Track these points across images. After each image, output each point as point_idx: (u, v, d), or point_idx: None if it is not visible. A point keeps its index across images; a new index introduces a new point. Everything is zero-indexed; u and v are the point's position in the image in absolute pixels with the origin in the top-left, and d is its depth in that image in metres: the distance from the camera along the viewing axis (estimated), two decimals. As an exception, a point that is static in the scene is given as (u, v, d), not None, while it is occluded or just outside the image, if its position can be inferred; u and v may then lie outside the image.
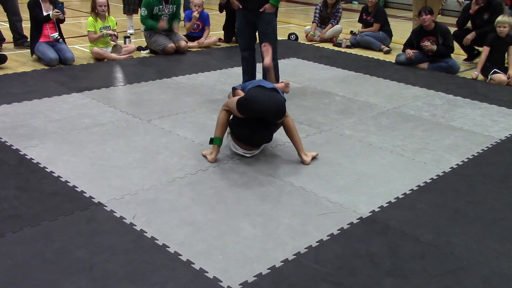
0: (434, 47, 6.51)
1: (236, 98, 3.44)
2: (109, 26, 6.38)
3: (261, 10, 4.68)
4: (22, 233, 2.60)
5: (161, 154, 3.65)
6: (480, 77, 6.38)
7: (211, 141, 3.53)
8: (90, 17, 6.31)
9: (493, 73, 6.22)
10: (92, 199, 2.96)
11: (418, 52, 6.72)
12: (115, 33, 6.39)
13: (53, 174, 3.26)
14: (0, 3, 6.59)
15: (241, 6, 4.77)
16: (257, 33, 4.94)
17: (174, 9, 6.84)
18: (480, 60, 6.43)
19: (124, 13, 7.99)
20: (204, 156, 3.58)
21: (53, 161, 3.43)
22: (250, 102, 3.35)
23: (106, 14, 6.36)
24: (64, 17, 6.09)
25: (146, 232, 2.66)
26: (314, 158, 3.65)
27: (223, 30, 7.94)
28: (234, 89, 3.82)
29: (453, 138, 4.29)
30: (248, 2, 4.72)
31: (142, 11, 6.70)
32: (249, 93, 3.45)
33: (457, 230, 2.87)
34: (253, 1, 4.68)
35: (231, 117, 3.55)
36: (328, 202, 3.09)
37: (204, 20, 7.54)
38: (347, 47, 7.97)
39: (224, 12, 7.97)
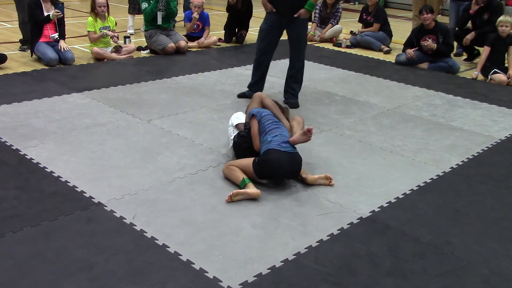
0: (434, 45, 6.51)
1: (249, 161, 3.21)
2: (109, 26, 6.38)
3: (295, 15, 4.60)
4: (22, 233, 2.60)
5: (161, 154, 3.65)
6: (480, 77, 6.38)
7: (243, 184, 3.13)
8: (90, 17, 6.31)
9: (493, 73, 6.22)
10: (92, 199, 2.96)
11: (418, 51, 6.72)
12: (116, 34, 6.38)
13: (53, 174, 3.26)
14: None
15: (274, 10, 4.68)
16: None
17: (165, 3, 6.81)
18: (480, 60, 6.43)
19: (129, 13, 7.99)
20: (238, 194, 3.04)
21: (53, 161, 3.43)
22: (270, 169, 3.16)
23: (106, 14, 6.36)
24: (64, 20, 6.09)
25: (146, 232, 2.66)
26: (325, 179, 3.31)
27: (224, 29, 7.93)
28: (252, 115, 3.44)
29: (453, 138, 4.29)
30: (282, 7, 4.63)
31: (143, 5, 6.71)
32: (268, 156, 3.16)
33: (457, 230, 2.87)
34: (288, 6, 4.60)
35: (235, 139, 3.53)
36: (328, 202, 3.09)
37: (204, 20, 7.54)
38: (347, 47, 7.97)
39: (227, 13, 7.95)
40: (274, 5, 4.67)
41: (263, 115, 3.42)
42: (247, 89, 5.10)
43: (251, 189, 3.05)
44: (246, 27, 7.87)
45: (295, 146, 3.28)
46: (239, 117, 3.72)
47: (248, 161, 3.22)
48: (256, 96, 3.71)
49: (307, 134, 3.22)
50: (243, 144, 3.45)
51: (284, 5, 4.62)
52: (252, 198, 3.03)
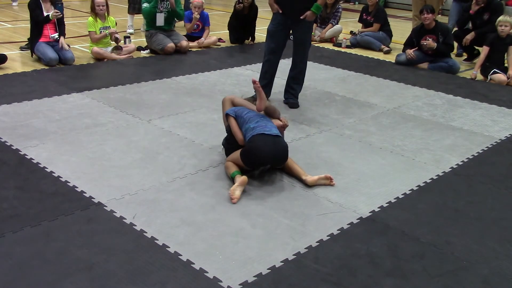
0: (434, 45, 6.51)
1: (238, 153, 3.26)
2: (109, 26, 6.37)
3: (302, 17, 4.59)
4: (22, 233, 2.60)
5: (161, 154, 3.65)
6: (480, 77, 6.38)
7: (232, 177, 3.21)
8: (90, 17, 6.30)
9: (493, 73, 6.23)
10: (92, 199, 2.97)
11: (418, 51, 6.72)
12: (118, 35, 6.37)
13: (53, 174, 3.26)
14: None
15: (281, 11, 4.67)
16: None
17: (168, 5, 6.82)
18: (479, 59, 6.45)
19: (128, 13, 7.99)
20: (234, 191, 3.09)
21: (53, 161, 3.43)
22: (254, 155, 3.20)
23: (106, 14, 6.34)
24: (63, 20, 6.09)
25: (146, 232, 2.66)
26: (326, 179, 3.30)
27: (228, 29, 7.91)
28: (227, 115, 3.50)
29: (453, 138, 4.29)
30: (289, 8, 4.62)
31: (144, 4, 6.70)
32: (252, 144, 3.21)
33: (457, 230, 2.87)
34: (294, 8, 4.59)
35: (223, 142, 3.59)
36: (328, 202, 3.09)
37: (204, 20, 7.54)
38: (347, 47, 7.97)
39: (230, 13, 7.94)
40: (281, 6, 4.66)
41: (236, 110, 3.49)
42: (255, 93, 5.05)
43: (238, 179, 3.12)
44: (250, 33, 7.85)
45: (278, 130, 3.35)
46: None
47: (237, 154, 3.28)
48: (225, 100, 3.71)
49: (255, 88, 3.39)
50: (232, 145, 3.48)
51: (291, 6, 4.60)
52: (244, 188, 3.12)
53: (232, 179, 3.21)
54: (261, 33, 7.97)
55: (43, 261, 2.39)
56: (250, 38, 7.86)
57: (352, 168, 3.58)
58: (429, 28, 6.59)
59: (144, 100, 4.84)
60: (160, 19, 6.74)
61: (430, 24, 6.57)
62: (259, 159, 3.23)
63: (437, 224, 2.92)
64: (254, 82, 3.44)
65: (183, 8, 7.23)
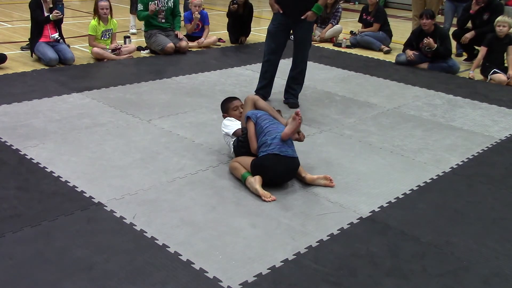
0: (435, 45, 6.50)
1: (249, 160, 3.24)
2: (111, 29, 6.35)
3: (302, 17, 4.59)
4: (22, 233, 2.60)
5: (161, 154, 3.65)
6: (478, 77, 6.37)
7: (244, 178, 3.22)
8: (93, 20, 6.24)
9: (493, 73, 6.23)
10: (92, 199, 2.97)
11: (418, 53, 6.72)
12: (119, 46, 6.39)
13: (53, 174, 3.26)
14: None
15: (281, 11, 4.66)
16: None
17: (171, 3, 6.82)
18: (476, 60, 6.45)
19: (131, 13, 8.00)
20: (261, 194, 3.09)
21: (53, 161, 3.43)
22: (265, 173, 3.16)
23: (109, 17, 6.33)
24: (63, 18, 6.09)
25: (146, 232, 2.66)
26: (325, 179, 3.29)
27: (228, 30, 7.91)
28: (248, 118, 3.42)
29: (453, 138, 4.29)
30: (289, 8, 4.61)
31: (138, 6, 6.72)
32: (264, 161, 3.18)
33: (457, 230, 2.87)
34: (295, 8, 4.58)
35: (234, 144, 3.52)
36: (328, 202, 3.09)
37: (203, 19, 7.52)
38: (347, 47, 7.97)
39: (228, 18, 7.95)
40: (282, 6, 4.65)
41: (259, 116, 3.41)
42: (254, 93, 5.05)
43: (256, 179, 3.12)
44: (247, 32, 7.85)
45: (294, 147, 3.29)
46: (228, 125, 3.61)
47: (248, 161, 3.25)
48: (248, 99, 3.63)
49: (296, 119, 3.21)
50: (241, 149, 3.43)
51: (292, 6, 4.60)
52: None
53: (240, 180, 3.22)
54: (260, 33, 7.98)
55: (43, 261, 2.39)
56: (244, 37, 7.82)
57: (352, 168, 3.58)
58: (428, 33, 6.59)
59: (144, 100, 4.84)
60: (152, 7, 6.70)
61: (429, 29, 6.57)
62: (268, 178, 3.18)
63: (437, 224, 2.92)
64: (297, 114, 3.22)
65: (182, 8, 7.24)
